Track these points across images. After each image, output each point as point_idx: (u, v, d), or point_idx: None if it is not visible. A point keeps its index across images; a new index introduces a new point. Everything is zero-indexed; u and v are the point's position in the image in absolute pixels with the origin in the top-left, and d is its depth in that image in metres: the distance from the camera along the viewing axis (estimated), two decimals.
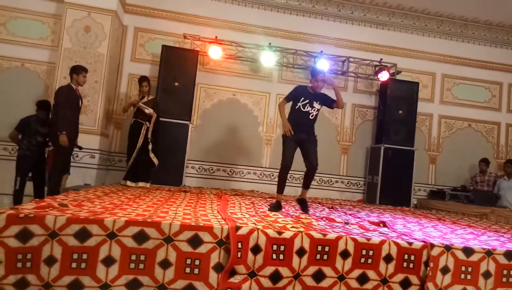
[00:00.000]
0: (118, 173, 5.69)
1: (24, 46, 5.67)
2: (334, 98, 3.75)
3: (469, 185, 6.46)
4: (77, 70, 4.42)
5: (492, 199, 5.72)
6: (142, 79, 5.16)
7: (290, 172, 3.77)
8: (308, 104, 3.68)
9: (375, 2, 6.55)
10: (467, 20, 6.79)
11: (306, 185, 3.79)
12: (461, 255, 2.35)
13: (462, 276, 2.33)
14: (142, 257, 2.02)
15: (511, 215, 5.03)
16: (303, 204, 3.75)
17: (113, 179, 5.70)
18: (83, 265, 1.96)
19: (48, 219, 1.97)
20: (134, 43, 6.14)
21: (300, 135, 3.63)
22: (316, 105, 3.70)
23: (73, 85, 4.39)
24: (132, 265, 2.00)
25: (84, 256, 1.96)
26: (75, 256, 1.95)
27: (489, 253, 2.39)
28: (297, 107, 3.69)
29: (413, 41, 6.80)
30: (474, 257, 2.36)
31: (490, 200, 5.65)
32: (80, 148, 4.73)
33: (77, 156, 5.17)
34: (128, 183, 4.84)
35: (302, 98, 3.68)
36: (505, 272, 2.39)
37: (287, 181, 3.81)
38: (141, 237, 2.03)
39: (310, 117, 3.69)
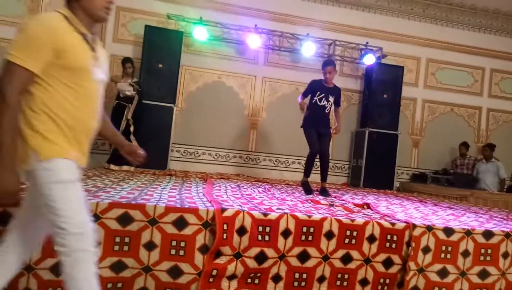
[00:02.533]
0: (101, 157, 5.58)
1: None
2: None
3: (450, 169, 6.62)
4: None
5: (472, 182, 5.89)
6: (126, 60, 5.05)
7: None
8: (324, 98, 3.90)
9: None
10: (452, 4, 6.82)
11: (323, 177, 4.12)
12: (442, 235, 2.41)
13: (442, 255, 2.40)
14: (127, 239, 2.00)
15: (489, 197, 5.19)
16: (324, 192, 3.98)
17: (96, 162, 5.59)
18: None
19: None
20: (116, 23, 5.96)
21: (319, 129, 3.92)
22: (331, 99, 3.94)
23: None
24: (116, 247, 1.97)
25: None
26: None
27: (468, 233, 2.45)
28: (313, 101, 3.92)
29: (399, 25, 6.80)
30: (454, 237, 2.43)
31: (469, 183, 5.81)
32: None
33: None
34: (112, 166, 4.77)
35: (318, 92, 3.91)
36: (482, 251, 2.47)
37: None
38: (125, 219, 2.01)
39: (326, 111, 3.94)
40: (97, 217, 1.97)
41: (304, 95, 4.00)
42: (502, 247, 2.49)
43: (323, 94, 3.89)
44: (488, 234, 2.48)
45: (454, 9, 6.90)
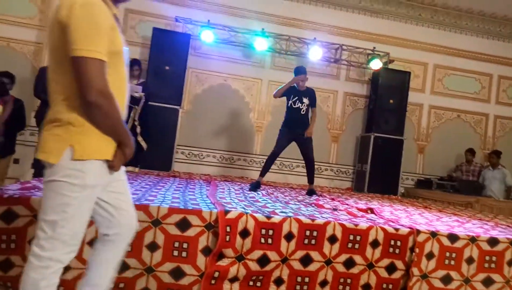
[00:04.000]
0: None
1: (10, 24, 5.50)
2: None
3: (452, 172, 6.58)
4: None
5: (477, 189, 5.83)
6: (133, 63, 5.08)
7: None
8: (298, 101, 4.14)
9: None
10: (461, 10, 6.79)
11: (310, 179, 4.26)
12: (446, 241, 2.39)
13: (446, 261, 2.38)
14: None
15: (495, 204, 5.14)
16: (311, 193, 4.18)
17: None
18: None
19: (33, 200, 1.94)
20: (124, 25, 6.00)
21: (295, 130, 4.10)
22: (306, 100, 4.16)
23: None
24: None
25: None
26: None
27: (473, 239, 2.43)
28: (289, 104, 4.17)
29: (407, 30, 6.78)
30: (459, 244, 2.41)
31: (475, 189, 5.75)
32: None
33: None
34: None
35: (292, 96, 4.15)
36: (487, 258, 2.44)
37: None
38: None
39: (302, 112, 4.14)
40: None
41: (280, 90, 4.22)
42: (507, 254, 2.47)
43: (297, 97, 4.14)
44: (493, 242, 2.46)
45: (463, 15, 6.87)
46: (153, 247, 2.03)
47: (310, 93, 4.23)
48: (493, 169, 6.03)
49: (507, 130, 7.17)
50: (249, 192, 3.77)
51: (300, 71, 4.22)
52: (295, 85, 4.20)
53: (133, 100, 4.90)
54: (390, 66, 6.48)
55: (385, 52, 6.42)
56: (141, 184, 3.32)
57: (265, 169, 4.18)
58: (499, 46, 7.08)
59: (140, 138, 4.87)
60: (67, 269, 1.92)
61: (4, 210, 1.89)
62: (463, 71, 7.02)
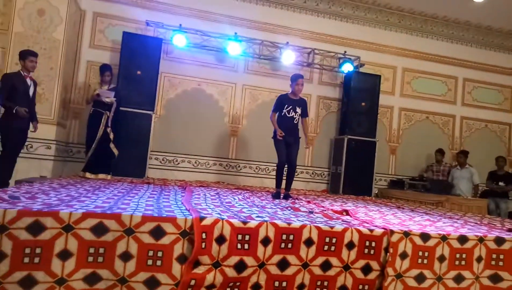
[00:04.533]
0: (76, 165, 5.44)
1: None
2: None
3: (423, 172, 6.79)
4: (24, 55, 4.22)
5: (447, 188, 6.04)
6: (105, 68, 4.93)
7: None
8: (291, 110, 4.20)
9: None
10: (426, 15, 7.05)
11: (287, 186, 4.31)
12: (418, 241, 2.44)
13: (419, 260, 2.43)
14: (101, 250, 1.93)
15: (464, 202, 5.34)
16: (287, 197, 4.22)
17: (71, 171, 5.45)
18: (36, 260, 1.84)
19: None
20: (93, 28, 5.86)
21: (288, 138, 4.17)
22: (298, 110, 4.23)
23: (22, 72, 4.17)
24: (91, 259, 1.91)
25: (38, 251, 1.85)
26: (27, 250, 1.83)
27: (444, 238, 2.50)
28: (282, 114, 4.21)
29: (376, 35, 6.97)
30: (431, 242, 2.46)
31: (445, 188, 5.96)
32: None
33: (31, 147, 4.88)
34: (87, 174, 4.65)
35: (286, 105, 4.20)
36: (458, 255, 2.51)
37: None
38: (99, 230, 1.94)
39: (295, 122, 4.22)
40: (70, 228, 1.90)
41: (275, 110, 4.26)
42: (476, 251, 2.55)
43: (291, 106, 4.19)
44: (462, 239, 2.54)
45: (428, 20, 7.13)
46: (126, 257, 1.96)
47: (303, 103, 4.31)
48: (461, 169, 6.27)
49: (472, 131, 7.49)
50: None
51: (297, 76, 4.26)
52: (289, 92, 4.26)
53: (105, 106, 4.78)
54: (361, 69, 6.63)
55: (356, 56, 6.57)
56: (114, 192, 3.22)
57: (279, 181, 4.27)
58: (462, 50, 7.40)
59: (112, 145, 4.74)
60: (34, 283, 1.82)
61: None
62: (430, 74, 7.28)
